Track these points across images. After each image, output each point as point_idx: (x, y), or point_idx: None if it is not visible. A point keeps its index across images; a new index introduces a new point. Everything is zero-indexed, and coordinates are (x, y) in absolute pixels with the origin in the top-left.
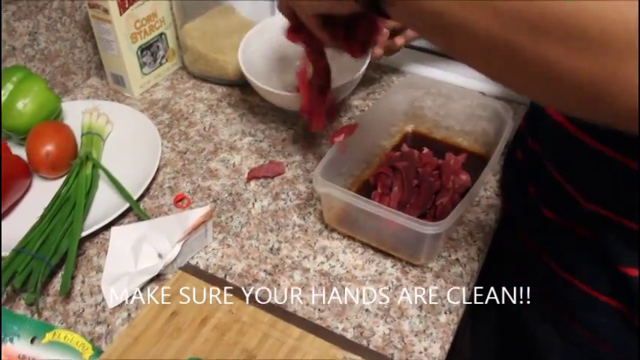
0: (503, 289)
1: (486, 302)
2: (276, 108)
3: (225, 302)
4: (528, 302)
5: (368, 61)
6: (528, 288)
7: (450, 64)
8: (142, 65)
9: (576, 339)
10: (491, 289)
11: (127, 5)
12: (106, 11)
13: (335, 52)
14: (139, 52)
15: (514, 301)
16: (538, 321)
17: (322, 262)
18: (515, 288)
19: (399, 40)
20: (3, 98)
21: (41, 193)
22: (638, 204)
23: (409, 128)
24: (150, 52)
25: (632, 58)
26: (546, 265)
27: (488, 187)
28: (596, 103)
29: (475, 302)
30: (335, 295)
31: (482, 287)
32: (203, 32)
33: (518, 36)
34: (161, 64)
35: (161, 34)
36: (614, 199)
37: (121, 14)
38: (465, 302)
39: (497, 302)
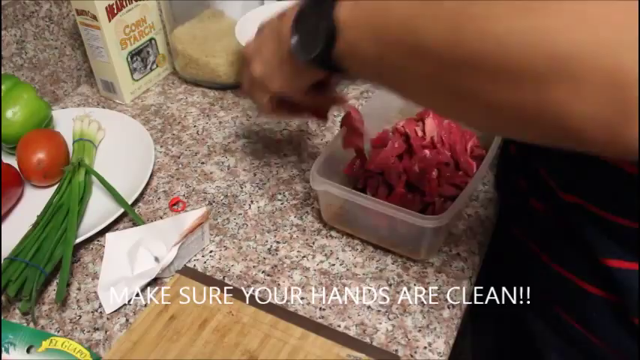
0: (503, 288)
1: (486, 301)
2: None
3: (225, 304)
4: (525, 298)
5: None
6: (526, 285)
7: None
8: (133, 71)
9: (572, 336)
10: (491, 288)
11: (115, 11)
12: (95, 17)
13: None
14: (129, 58)
15: (513, 300)
16: (535, 318)
17: (322, 261)
18: (514, 286)
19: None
20: None
21: (34, 201)
22: (614, 196)
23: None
24: (140, 57)
25: (556, 81)
26: (539, 258)
27: (486, 181)
28: (535, 129)
29: (475, 302)
30: (336, 293)
31: (481, 287)
32: (193, 36)
33: (451, 77)
34: (152, 70)
35: (151, 40)
36: (591, 191)
37: (109, 20)
38: (467, 295)
39: (497, 301)
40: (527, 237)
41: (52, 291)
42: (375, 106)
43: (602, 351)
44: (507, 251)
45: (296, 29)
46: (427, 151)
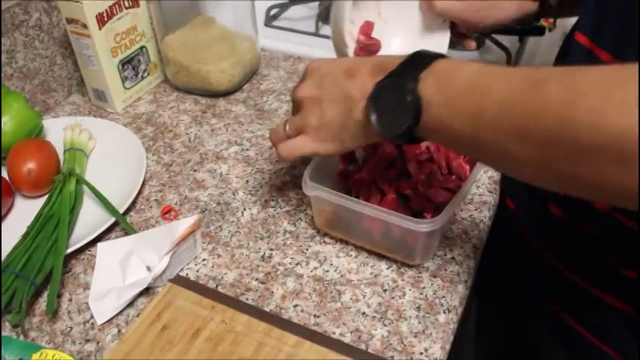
0: (507, 291)
1: (491, 304)
2: (261, 116)
3: (218, 312)
4: (532, 304)
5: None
6: (531, 288)
7: None
8: (124, 79)
9: (582, 346)
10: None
11: (105, 19)
12: (85, 26)
13: None
14: (120, 67)
15: (518, 303)
16: (543, 326)
17: (315, 268)
18: (519, 289)
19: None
20: None
21: (24, 211)
22: None
23: None
24: (131, 65)
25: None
26: (551, 264)
27: (480, 184)
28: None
29: (480, 304)
30: (330, 300)
31: (486, 289)
32: (184, 44)
33: (549, 159)
34: (143, 78)
35: (142, 48)
36: None
37: (100, 29)
38: (463, 300)
39: (502, 304)
40: (541, 243)
41: (42, 302)
42: None
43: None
44: (515, 258)
45: (374, 107)
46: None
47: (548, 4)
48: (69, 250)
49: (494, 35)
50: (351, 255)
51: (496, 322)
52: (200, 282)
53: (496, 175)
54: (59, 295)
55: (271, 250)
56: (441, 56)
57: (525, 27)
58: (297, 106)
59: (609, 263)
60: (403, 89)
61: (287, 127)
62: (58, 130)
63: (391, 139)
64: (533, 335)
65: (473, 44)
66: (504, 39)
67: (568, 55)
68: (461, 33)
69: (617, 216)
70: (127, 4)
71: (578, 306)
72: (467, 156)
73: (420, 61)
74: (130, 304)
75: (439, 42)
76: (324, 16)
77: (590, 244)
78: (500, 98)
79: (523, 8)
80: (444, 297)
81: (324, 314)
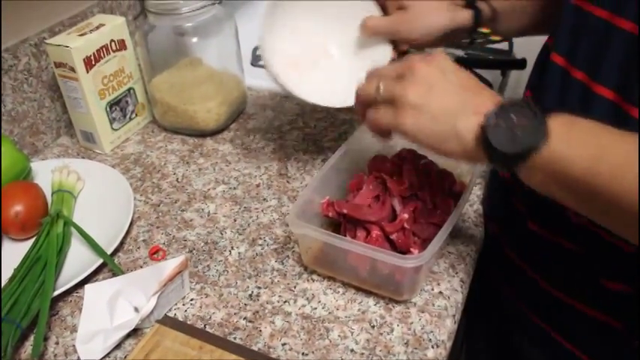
0: (491, 303)
1: (475, 315)
2: (248, 155)
3: (206, 353)
4: (515, 315)
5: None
6: (519, 307)
7: None
8: (112, 121)
9: (560, 353)
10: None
11: (93, 62)
12: (73, 69)
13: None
14: (108, 108)
15: (505, 319)
16: (529, 341)
17: (303, 305)
18: (506, 307)
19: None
20: None
21: (12, 254)
22: None
23: None
24: (119, 107)
25: None
26: (532, 279)
27: (466, 217)
28: None
29: (469, 322)
30: (318, 337)
31: (475, 305)
32: (171, 85)
33: None
34: (131, 119)
35: (129, 89)
36: None
37: (87, 72)
38: (451, 335)
39: (486, 315)
40: (523, 260)
41: (28, 346)
42: (353, 149)
43: None
44: (500, 275)
45: (496, 119)
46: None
47: (481, 15)
48: (56, 293)
49: (476, 70)
50: (338, 292)
51: (482, 333)
52: (188, 322)
53: (481, 209)
54: (46, 339)
55: (259, 288)
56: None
57: (505, 60)
58: (403, 71)
59: (586, 275)
60: (532, 111)
61: (381, 88)
62: (46, 172)
63: (497, 159)
64: (517, 345)
65: None
66: (486, 73)
67: (545, 73)
68: (404, 51)
69: (595, 230)
70: (114, 47)
71: (555, 316)
72: (559, 200)
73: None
74: (118, 346)
75: (382, 58)
76: None
77: (566, 257)
78: (625, 151)
79: (457, 19)
80: (432, 332)
81: (313, 352)
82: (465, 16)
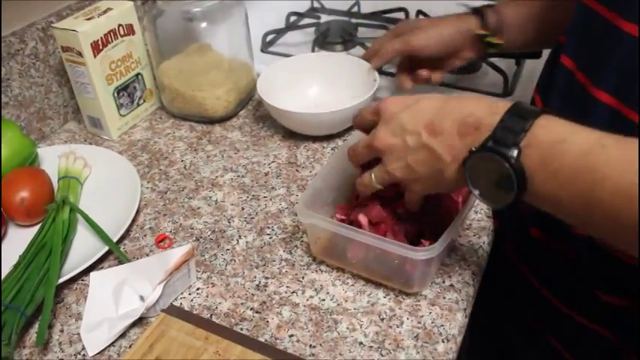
0: (494, 308)
1: (482, 328)
2: (257, 142)
3: (212, 343)
4: (517, 322)
5: (376, 87)
6: (521, 315)
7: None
8: (119, 107)
9: None
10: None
11: (101, 47)
12: (80, 54)
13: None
14: (116, 94)
15: (507, 327)
16: (528, 349)
17: (311, 296)
18: (508, 313)
19: (437, 77)
20: None
21: (17, 241)
22: None
23: None
24: (127, 93)
25: None
26: (537, 291)
27: (478, 209)
28: None
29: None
30: (326, 329)
31: (477, 312)
32: (180, 70)
33: None
34: (139, 105)
35: (137, 75)
36: None
37: (95, 56)
38: (462, 328)
39: (492, 329)
40: (526, 267)
41: (33, 333)
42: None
43: None
44: (504, 282)
45: (473, 182)
46: None
47: (487, 21)
48: (61, 280)
49: (490, 59)
50: (347, 283)
51: (487, 339)
52: (194, 312)
53: None
54: (50, 326)
55: (267, 278)
56: (540, 112)
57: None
58: (375, 152)
59: (584, 286)
60: (502, 163)
61: (373, 180)
62: (52, 158)
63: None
64: (519, 352)
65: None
66: (501, 62)
67: (553, 75)
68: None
69: (595, 241)
70: (122, 31)
71: (556, 325)
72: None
73: (518, 123)
74: (123, 335)
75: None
76: (320, 42)
77: (566, 267)
78: (614, 187)
79: (464, 24)
80: (442, 326)
81: (320, 344)
82: (471, 21)
